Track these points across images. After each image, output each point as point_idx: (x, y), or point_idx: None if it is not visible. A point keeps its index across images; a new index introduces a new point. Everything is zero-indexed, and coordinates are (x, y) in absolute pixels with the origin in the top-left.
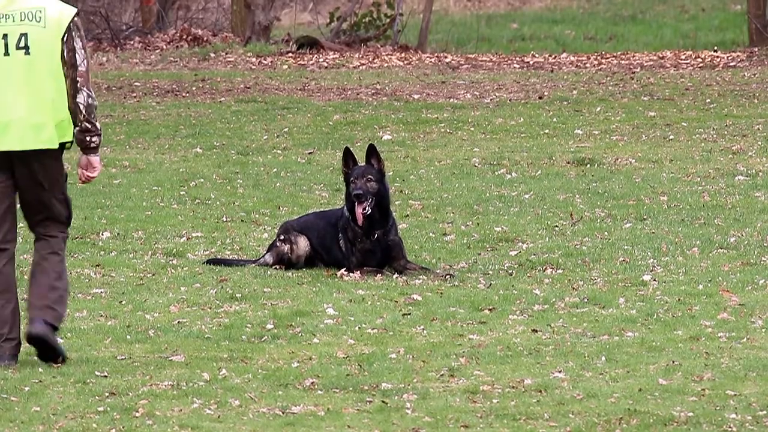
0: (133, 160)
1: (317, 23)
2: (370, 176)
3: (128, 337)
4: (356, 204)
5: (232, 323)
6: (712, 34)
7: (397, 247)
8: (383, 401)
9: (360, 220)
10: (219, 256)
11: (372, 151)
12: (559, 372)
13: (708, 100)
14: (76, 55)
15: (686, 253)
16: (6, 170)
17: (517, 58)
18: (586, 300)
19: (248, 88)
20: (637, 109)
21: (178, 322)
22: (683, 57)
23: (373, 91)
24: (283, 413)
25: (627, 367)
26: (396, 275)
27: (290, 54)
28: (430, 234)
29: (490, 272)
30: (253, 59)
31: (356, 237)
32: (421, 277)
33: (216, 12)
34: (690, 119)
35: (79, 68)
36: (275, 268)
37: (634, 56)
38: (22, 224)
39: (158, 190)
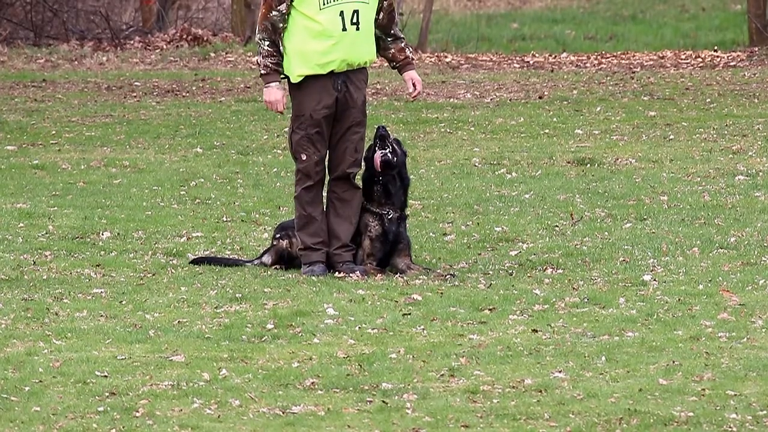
0: (133, 160)
1: None
2: (398, 142)
3: (128, 337)
4: (377, 149)
5: (232, 323)
6: (712, 33)
7: (405, 241)
8: (383, 401)
9: (378, 163)
10: (201, 255)
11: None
12: (560, 372)
13: (708, 100)
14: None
15: (686, 253)
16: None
17: (517, 58)
18: (586, 300)
19: (248, 87)
20: (637, 109)
21: (178, 322)
22: (683, 57)
23: (373, 91)
24: (283, 413)
25: (627, 367)
26: (397, 275)
27: None
28: (430, 234)
29: (491, 272)
30: (254, 59)
31: (370, 215)
32: (421, 277)
33: (216, 12)
34: (690, 119)
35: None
36: (275, 267)
37: (634, 56)
38: None
39: (158, 190)
